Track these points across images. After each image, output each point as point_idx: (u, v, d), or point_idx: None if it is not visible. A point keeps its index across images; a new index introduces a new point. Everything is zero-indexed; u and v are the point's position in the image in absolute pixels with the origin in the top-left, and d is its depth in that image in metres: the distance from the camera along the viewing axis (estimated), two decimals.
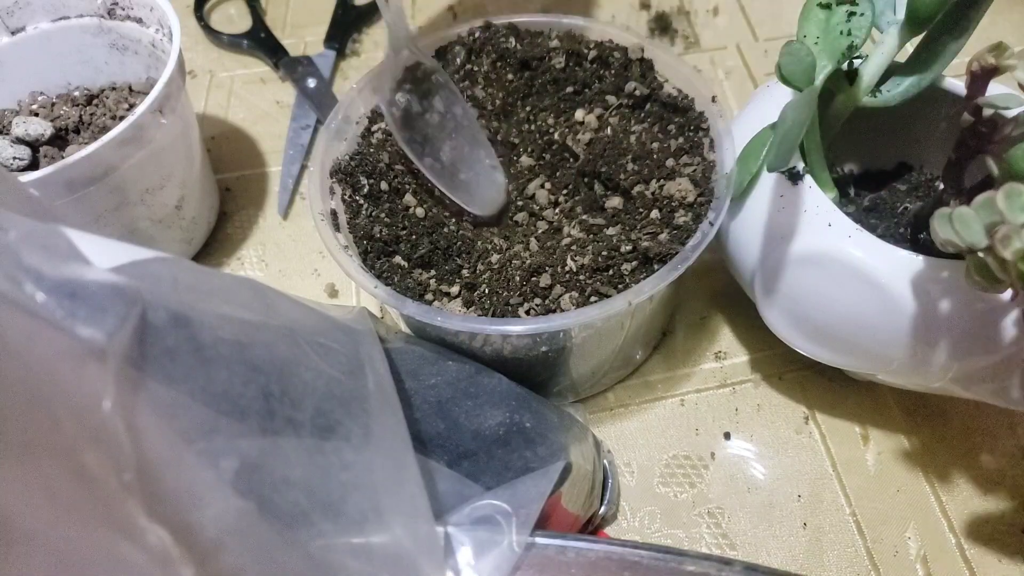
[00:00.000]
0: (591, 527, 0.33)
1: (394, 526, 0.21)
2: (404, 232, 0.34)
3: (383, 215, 0.35)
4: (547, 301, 0.31)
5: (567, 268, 0.32)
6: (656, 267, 0.31)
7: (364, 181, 0.36)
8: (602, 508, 0.33)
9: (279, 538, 0.18)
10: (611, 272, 0.31)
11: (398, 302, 0.30)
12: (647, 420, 0.37)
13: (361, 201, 0.36)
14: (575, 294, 0.31)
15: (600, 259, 0.31)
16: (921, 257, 0.27)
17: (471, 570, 0.23)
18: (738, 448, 0.36)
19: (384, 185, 0.36)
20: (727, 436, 0.37)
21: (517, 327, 0.29)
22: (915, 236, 0.32)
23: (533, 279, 0.32)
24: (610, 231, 0.33)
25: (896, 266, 0.28)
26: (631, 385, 0.38)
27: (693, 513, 0.34)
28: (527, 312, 0.31)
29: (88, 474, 0.15)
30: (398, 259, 0.34)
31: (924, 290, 0.27)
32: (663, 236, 0.32)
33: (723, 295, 0.41)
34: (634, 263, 0.31)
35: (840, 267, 0.28)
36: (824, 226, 0.29)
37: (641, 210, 0.34)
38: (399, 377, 0.28)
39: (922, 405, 0.37)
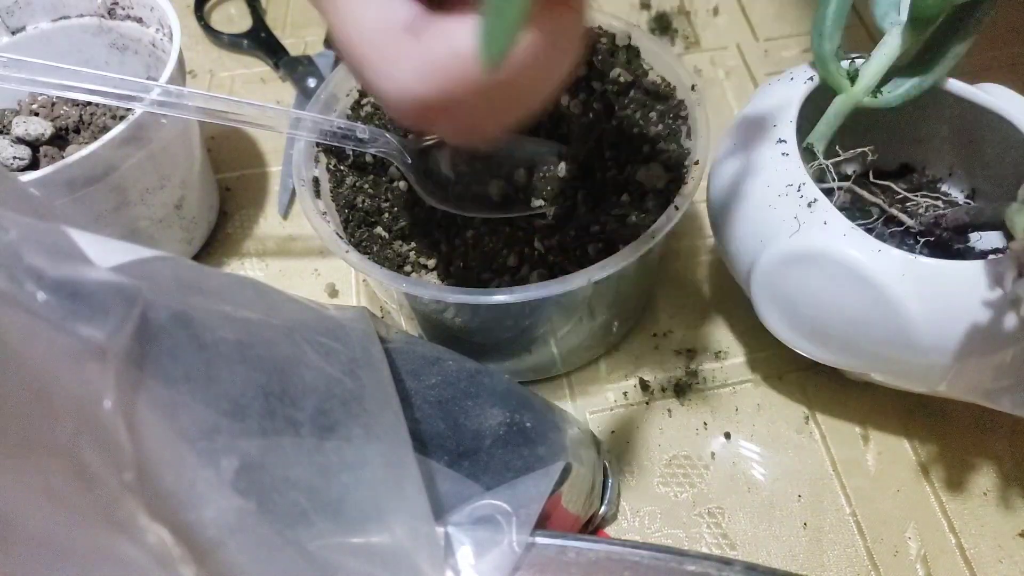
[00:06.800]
0: (591, 527, 0.33)
1: (394, 526, 0.21)
2: (387, 204, 0.36)
3: (367, 186, 0.36)
4: (516, 277, 0.32)
5: (536, 248, 0.33)
6: (621, 248, 0.31)
7: (350, 152, 0.36)
8: (602, 508, 0.33)
9: (279, 538, 0.18)
10: (578, 252, 0.33)
11: (367, 268, 0.31)
12: (647, 420, 0.37)
13: (345, 171, 0.36)
14: (543, 271, 0.32)
15: (568, 239, 0.33)
16: (917, 257, 0.27)
17: (471, 570, 0.23)
18: (738, 448, 0.36)
19: (369, 157, 0.36)
20: (727, 436, 0.37)
21: (479, 298, 0.30)
22: (937, 238, 0.32)
23: (502, 256, 0.33)
24: (580, 212, 0.34)
25: (892, 266, 0.28)
26: (631, 385, 0.38)
27: (693, 513, 0.34)
28: (496, 286, 0.32)
29: (88, 473, 0.15)
30: (379, 230, 0.35)
31: (920, 290, 0.27)
32: (631, 219, 0.33)
33: (723, 295, 0.41)
34: (601, 244, 0.32)
35: (836, 266, 0.28)
36: (820, 224, 0.29)
37: (612, 193, 0.34)
38: (399, 377, 0.28)
39: (922, 405, 0.37)
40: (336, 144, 0.34)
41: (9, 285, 0.15)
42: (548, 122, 0.38)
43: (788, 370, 0.38)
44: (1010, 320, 0.27)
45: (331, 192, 0.36)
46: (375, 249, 0.34)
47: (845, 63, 0.32)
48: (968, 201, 0.37)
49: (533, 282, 0.32)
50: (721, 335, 0.40)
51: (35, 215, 0.17)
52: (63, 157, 0.35)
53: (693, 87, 0.36)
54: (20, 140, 0.40)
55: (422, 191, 0.35)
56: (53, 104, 0.43)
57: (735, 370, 0.39)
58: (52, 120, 0.41)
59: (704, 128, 0.34)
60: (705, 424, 0.37)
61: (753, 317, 0.33)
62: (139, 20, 0.41)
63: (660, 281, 0.42)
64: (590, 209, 0.34)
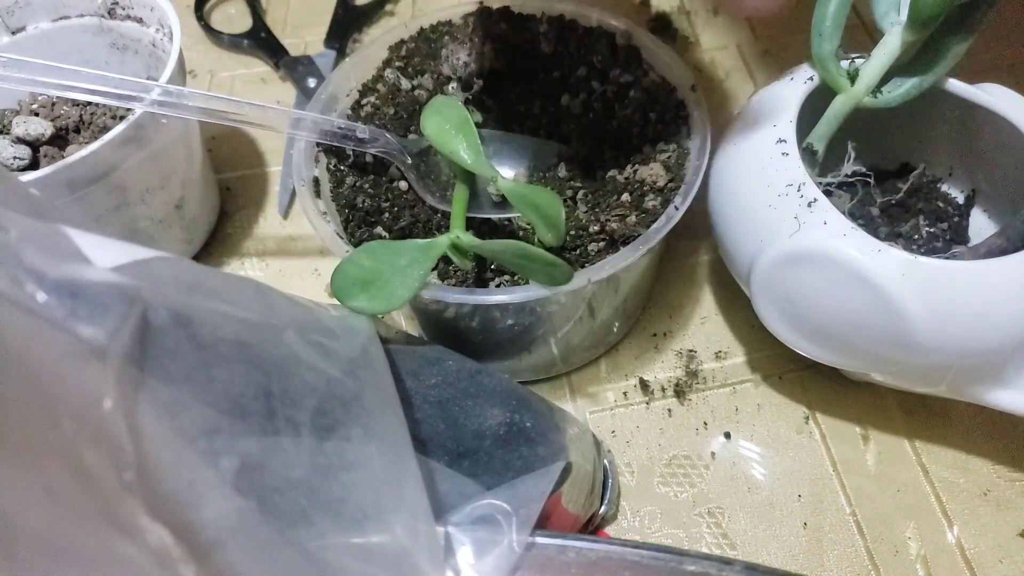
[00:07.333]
0: (591, 527, 0.33)
1: (394, 526, 0.21)
2: (387, 204, 0.35)
3: (367, 186, 0.36)
4: (516, 277, 0.32)
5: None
6: (621, 248, 0.31)
7: (350, 152, 0.36)
8: (602, 508, 0.33)
9: (279, 538, 0.18)
10: (578, 251, 0.32)
11: None
12: (647, 420, 0.37)
13: (346, 171, 0.36)
14: None
15: (568, 238, 0.32)
16: (918, 257, 0.27)
17: (471, 570, 0.23)
18: (738, 448, 0.36)
19: (369, 157, 0.36)
20: (727, 436, 0.37)
21: (479, 298, 0.30)
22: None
23: None
24: (580, 212, 0.34)
25: (892, 266, 0.28)
26: (631, 385, 0.38)
27: (693, 513, 0.34)
28: (497, 286, 0.32)
29: (89, 473, 0.15)
30: (379, 230, 0.35)
31: (921, 291, 0.27)
32: (631, 219, 0.33)
33: (723, 294, 0.41)
34: (601, 243, 0.32)
35: (835, 266, 0.28)
36: (820, 224, 0.29)
37: (612, 193, 0.34)
38: (399, 377, 0.28)
39: (922, 405, 0.37)
40: (336, 144, 0.34)
41: (9, 285, 0.15)
42: (548, 122, 0.38)
43: (788, 370, 0.38)
44: (1010, 320, 0.27)
45: (331, 192, 0.36)
46: None
47: (845, 63, 0.32)
48: (969, 196, 0.37)
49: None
50: (721, 335, 0.40)
51: (35, 215, 0.17)
52: (63, 157, 0.35)
53: (693, 87, 0.36)
54: (20, 140, 0.40)
55: (422, 191, 0.35)
56: (53, 104, 0.43)
57: (735, 370, 0.39)
58: (52, 120, 0.41)
59: (704, 128, 0.34)
60: (705, 424, 0.37)
61: (753, 317, 0.33)
62: (139, 20, 0.41)
63: (660, 281, 0.42)
64: (590, 209, 0.34)
